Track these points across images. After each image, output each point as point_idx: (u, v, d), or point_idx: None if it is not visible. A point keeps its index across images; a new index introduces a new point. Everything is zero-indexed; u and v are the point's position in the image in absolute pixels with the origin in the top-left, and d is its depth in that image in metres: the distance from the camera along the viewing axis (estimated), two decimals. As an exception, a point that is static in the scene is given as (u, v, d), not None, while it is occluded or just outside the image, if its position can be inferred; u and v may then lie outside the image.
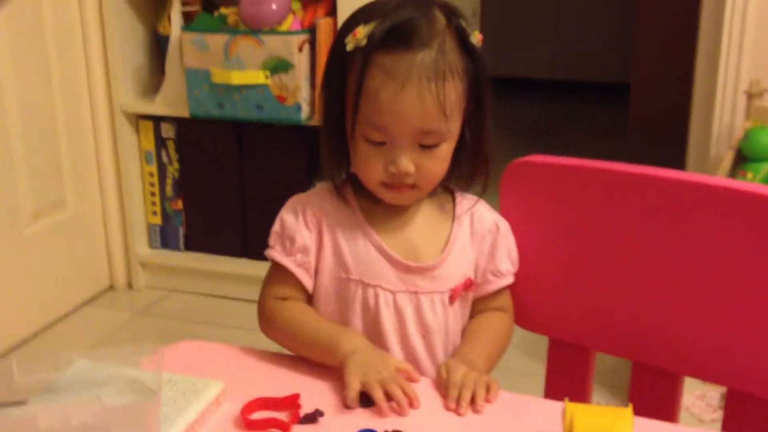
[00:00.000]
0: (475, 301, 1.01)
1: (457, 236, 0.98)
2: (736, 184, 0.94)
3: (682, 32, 3.13)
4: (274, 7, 2.11)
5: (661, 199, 0.95)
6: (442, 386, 0.86)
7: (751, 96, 2.01)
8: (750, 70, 2.10)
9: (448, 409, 0.83)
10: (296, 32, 2.12)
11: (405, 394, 0.83)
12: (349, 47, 0.90)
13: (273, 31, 2.12)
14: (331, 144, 0.95)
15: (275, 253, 0.98)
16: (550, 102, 4.85)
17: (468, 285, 0.98)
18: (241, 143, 2.32)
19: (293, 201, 0.99)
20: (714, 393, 1.80)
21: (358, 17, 0.92)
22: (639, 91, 4.00)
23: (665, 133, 3.60)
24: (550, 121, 4.52)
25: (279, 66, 2.12)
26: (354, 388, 0.83)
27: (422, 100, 0.87)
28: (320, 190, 1.00)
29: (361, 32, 0.89)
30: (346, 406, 0.83)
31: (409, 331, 0.96)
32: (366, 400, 0.83)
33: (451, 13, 0.91)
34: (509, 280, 1.01)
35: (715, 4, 2.17)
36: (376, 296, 0.95)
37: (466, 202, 1.01)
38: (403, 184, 0.92)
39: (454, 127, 0.92)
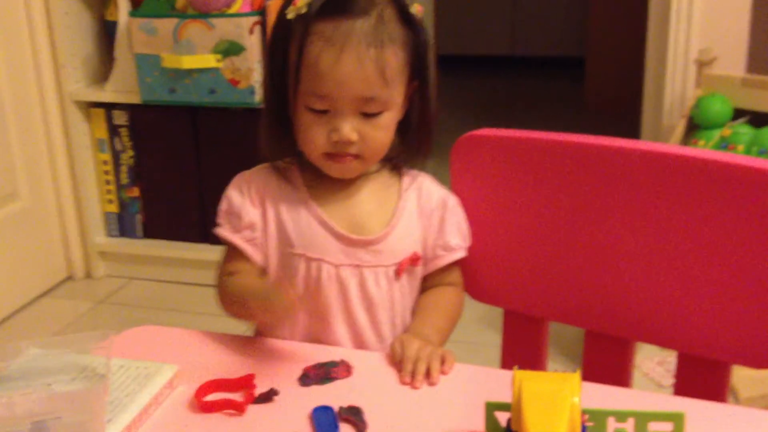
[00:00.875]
0: (426, 276, 1.01)
1: (403, 211, 0.98)
2: (686, 150, 0.95)
3: (634, 4, 3.16)
4: (223, -12, 2.09)
5: (610, 168, 0.96)
6: (397, 361, 0.87)
7: (701, 64, 2.04)
8: (700, 38, 2.13)
9: (403, 382, 0.84)
10: (246, 14, 2.09)
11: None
12: (290, 16, 0.90)
13: (223, 14, 2.09)
14: (276, 120, 0.96)
15: (224, 231, 0.98)
16: (510, 78, 4.87)
17: (414, 260, 0.98)
18: (196, 128, 2.29)
19: (238, 178, 1.00)
20: (672, 359, 1.82)
21: None
22: (594, 64, 4.03)
23: (620, 105, 3.64)
24: (509, 97, 4.55)
25: (230, 49, 2.10)
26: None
27: (362, 65, 0.88)
28: (264, 167, 1.00)
29: (302, 1, 0.89)
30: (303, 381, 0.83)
31: (353, 305, 0.96)
32: (305, 379, 0.84)
33: None
34: (460, 254, 1.01)
35: (664, -25, 2.19)
36: (319, 270, 0.96)
37: (413, 177, 1.01)
38: (346, 153, 0.93)
39: (396, 95, 0.93)
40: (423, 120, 0.98)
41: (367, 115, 0.91)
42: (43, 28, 2.26)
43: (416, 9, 0.93)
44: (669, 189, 0.92)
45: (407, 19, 0.92)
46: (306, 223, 0.96)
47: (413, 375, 0.84)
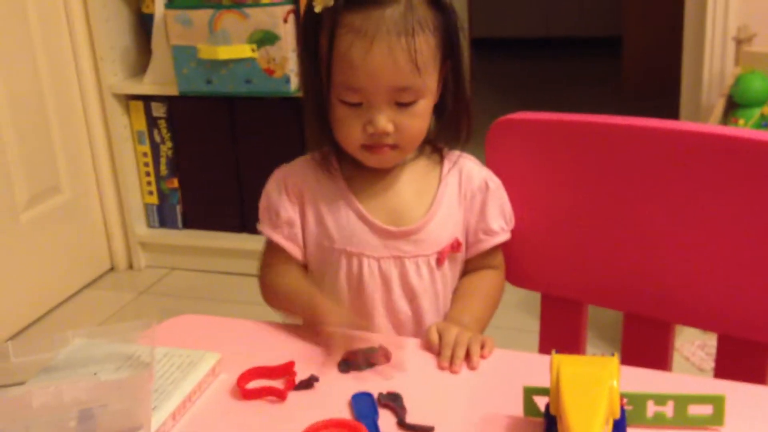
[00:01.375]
0: (468, 260, 1.01)
1: (442, 197, 0.98)
2: (727, 130, 0.94)
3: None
4: (256, -22, 2.10)
5: (648, 149, 0.95)
6: (432, 348, 0.87)
7: (739, 42, 2.00)
8: (738, 15, 2.09)
9: (441, 368, 0.84)
10: (280, 3, 2.10)
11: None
12: (318, 9, 0.89)
13: (257, 4, 2.11)
14: (313, 112, 0.95)
15: (264, 227, 0.99)
16: (546, 60, 4.83)
17: (455, 246, 0.98)
18: (233, 118, 2.31)
19: (277, 174, 1.00)
20: (714, 342, 1.80)
21: None
22: (630, 44, 3.97)
23: (658, 84, 3.59)
24: (545, 79, 4.51)
25: (265, 38, 2.11)
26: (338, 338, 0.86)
27: (393, 55, 0.87)
28: (304, 159, 1.00)
29: None
30: (342, 368, 0.85)
31: (394, 297, 0.96)
32: (345, 365, 0.85)
33: None
34: (503, 237, 1.00)
35: (701, -48, 2.15)
36: (360, 264, 0.96)
37: (454, 159, 1.00)
38: (382, 144, 0.92)
39: (430, 82, 0.92)
40: (458, 102, 0.96)
41: (402, 105, 0.90)
42: (82, 22, 2.30)
43: None
44: (708, 169, 0.91)
45: (436, 3, 0.91)
46: (345, 217, 0.96)
47: (452, 359, 0.84)
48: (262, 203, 1.00)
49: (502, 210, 1.00)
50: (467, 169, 0.99)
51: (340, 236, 0.96)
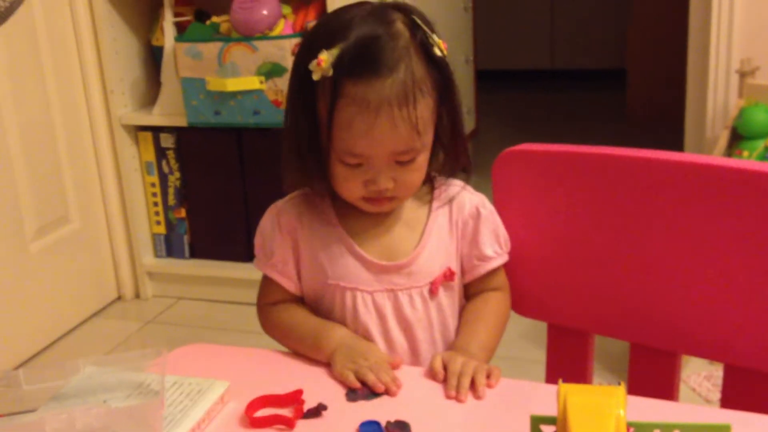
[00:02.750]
0: (468, 285, 1.02)
1: (431, 230, 0.99)
2: (732, 162, 0.94)
3: (675, 14, 3.14)
4: (265, 12, 2.13)
5: (653, 181, 0.96)
6: (437, 377, 0.88)
7: (743, 74, 2.02)
8: (741, 48, 2.11)
9: (448, 396, 0.85)
10: (288, 36, 2.13)
11: (395, 366, 0.89)
12: (316, 77, 0.88)
13: (265, 37, 2.13)
14: (303, 161, 0.94)
15: (259, 263, 1.02)
16: (550, 92, 4.86)
17: (448, 276, 0.99)
18: (241, 149, 2.33)
19: (271, 210, 1.01)
20: (720, 373, 1.80)
21: (318, 37, 0.90)
22: (635, 76, 4.01)
23: (663, 117, 3.61)
24: (550, 111, 4.54)
25: (273, 71, 2.14)
26: (351, 380, 0.87)
27: (395, 125, 0.88)
28: (298, 194, 1.01)
29: (326, 60, 0.87)
30: (350, 396, 0.86)
31: (390, 327, 0.98)
32: (352, 394, 0.86)
33: (413, 22, 0.90)
34: (498, 261, 1.01)
35: (704, -14, 2.18)
36: (354, 298, 0.97)
37: (444, 189, 1.01)
38: (382, 197, 0.94)
39: (428, 139, 0.93)
40: (454, 139, 0.97)
41: (401, 162, 0.92)
42: (92, 54, 2.33)
43: (441, 47, 0.91)
44: (713, 200, 0.92)
45: (432, 60, 0.90)
46: (339, 254, 0.97)
47: (458, 389, 0.85)
48: (257, 240, 1.02)
49: (496, 234, 1.01)
50: (459, 199, 1.00)
51: (334, 272, 0.97)
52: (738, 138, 1.98)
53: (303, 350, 0.95)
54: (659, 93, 3.81)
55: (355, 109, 0.87)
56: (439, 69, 0.91)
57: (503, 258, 1.02)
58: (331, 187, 0.96)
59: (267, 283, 1.02)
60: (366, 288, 0.97)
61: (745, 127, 1.94)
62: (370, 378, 0.86)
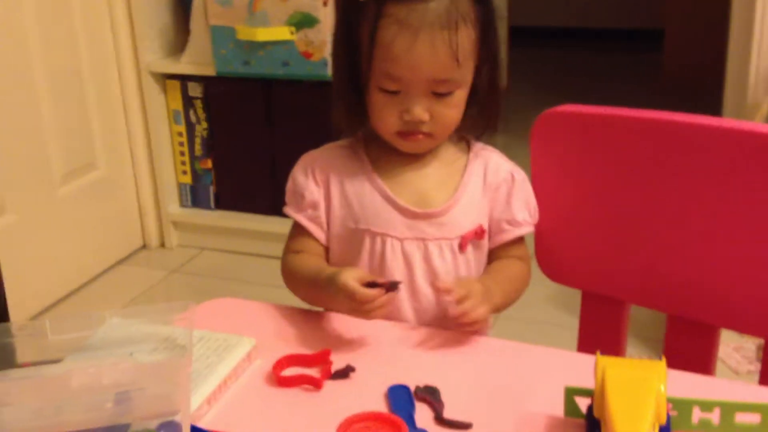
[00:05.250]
0: (493, 250, 1.00)
1: (467, 184, 0.98)
2: (772, 129, 0.91)
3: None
4: (298, -40, 2.08)
5: (696, 147, 0.92)
6: (442, 288, 0.88)
7: (789, 39, 1.95)
8: (789, 11, 2.04)
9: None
10: (321, -14, 2.09)
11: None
12: None
13: (297, -14, 2.09)
14: (346, 98, 0.96)
15: (289, 209, 1.02)
16: (585, 51, 4.78)
17: (479, 233, 0.98)
18: (269, 100, 2.31)
19: (304, 158, 1.02)
20: (750, 345, 1.78)
21: None
22: (673, 37, 3.91)
23: (700, 79, 3.52)
24: (584, 71, 4.46)
25: (304, 21, 2.10)
26: (352, 285, 0.85)
27: (435, 49, 0.88)
28: (332, 146, 1.02)
29: None
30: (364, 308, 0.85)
31: (417, 278, 0.97)
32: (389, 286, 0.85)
33: None
34: (526, 229, 1.00)
35: (752, -55, 2.10)
36: (383, 244, 0.96)
37: (480, 151, 1.01)
38: (418, 131, 0.93)
39: (467, 74, 0.93)
40: (491, 94, 0.97)
41: (439, 95, 0.92)
42: (121, 0, 2.29)
43: None
44: (756, 170, 0.89)
45: None
46: (370, 197, 0.97)
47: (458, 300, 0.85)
48: (289, 186, 1.02)
49: (527, 202, 1.00)
50: (494, 161, 1.00)
51: (364, 216, 0.97)
52: (780, 105, 1.92)
53: (306, 293, 0.96)
54: (698, 56, 3.72)
55: (396, 29, 0.88)
56: (483, 4, 0.92)
57: (530, 228, 1.00)
58: (369, 127, 0.96)
59: (295, 231, 1.01)
60: (396, 234, 0.96)
61: (789, 94, 1.88)
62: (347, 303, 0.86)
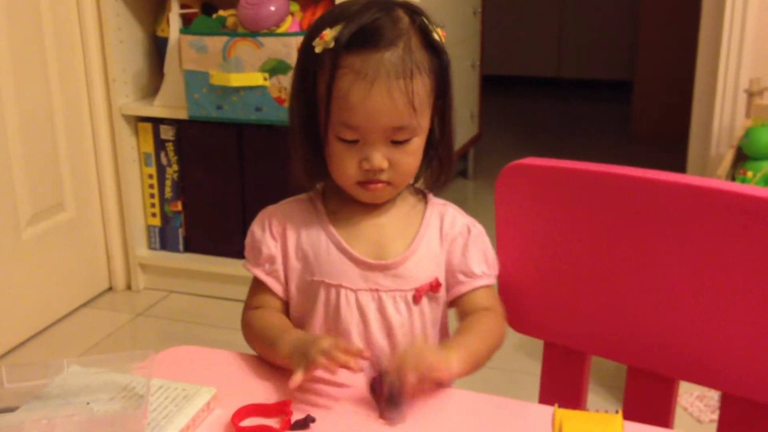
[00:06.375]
0: (458, 303, 1.00)
1: (424, 236, 0.99)
2: (733, 187, 0.93)
3: (685, 29, 3.12)
4: (272, 8, 2.11)
5: (658, 202, 0.94)
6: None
7: (751, 94, 2.01)
8: (750, 68, 2.10)
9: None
10: (295, 33, 2.11)
11: (348, 351, 0.84)
12: (318, 50, 0.91)
13: (272, 33, 2.11)
14: (303, 151, 0.97)
15: (247, 264, 1.02)
16: (557, 100, 4.85)
17: (435, 286, 0.98)
18: (241, 145, 2.31)
19: (262, 213, 1.03)
20: (713, 393, 1.79)
21: (323, 21, 0.94)
22: (641, 89, 3.99)
23: (668, 131, 3.60)
24: (555, 119, 4.52)
25: (278, 68, 2.12)
26: (298, 375, 0.84)
27: (392, 97, 0.89)
28: (290, 199, 1.03)
29: (329, 35, 0.90)
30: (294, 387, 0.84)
31: (372, 330, 0.96)
32: (376, 388, 0.83)
33: (414, 12, 0.93)
34: (485, 281, 0.99)
35: (716, 3, 2.16)
36: (338, 295, 0.96)
37: (437, 204, 1.02)
38: (377, 180, 0.94)
39: (424, 121, 0.94)
40: (444, 139, 0.99)
41: (397, 143, 0.93)
42: (96, 43, 2.31)
43: (440, 35, 0.94)
44: (715, 224, 0.90)
45: (431, 46, 0.93)
46: (325, 249, 0.97)
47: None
48: (247, 241, 1.02)
49: (485, 255, 1.00)
50: (450, 214, 1.01)
51: (320, 268, 0.97)
52: (743, 158, 1.97)
53: (264, 352, 0.94)
54: (665, 108, 3.80)
55: (352, 78, 0.89)
56: (437, 55, 0.94)
57: (490, 279, 1.00)
58: (329, 179, 0.97)
59: (253, 286, 1.02)
60: (350, 285, 0.96)
61: (751, 148, 1.92)
62: (321, 361, 0.83)
